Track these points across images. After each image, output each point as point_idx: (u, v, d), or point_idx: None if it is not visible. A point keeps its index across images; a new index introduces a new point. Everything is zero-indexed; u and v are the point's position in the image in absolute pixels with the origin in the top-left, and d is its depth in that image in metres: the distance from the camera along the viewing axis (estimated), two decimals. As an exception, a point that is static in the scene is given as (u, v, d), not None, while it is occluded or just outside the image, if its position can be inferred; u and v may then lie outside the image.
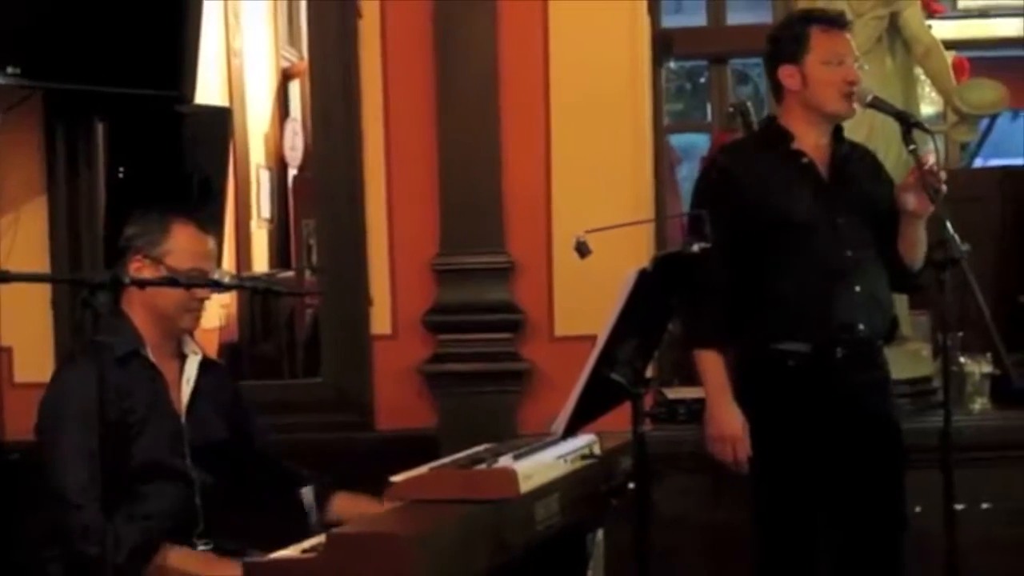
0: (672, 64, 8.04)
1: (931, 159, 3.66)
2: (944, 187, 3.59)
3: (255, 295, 6.82)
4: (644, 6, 5.00)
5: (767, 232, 3.77)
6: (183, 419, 3.52)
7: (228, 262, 6.81)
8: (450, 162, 4.86)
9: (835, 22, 3.84)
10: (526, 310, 4.86)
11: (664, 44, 5.56)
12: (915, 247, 3.81)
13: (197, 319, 3.59)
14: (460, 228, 4.86)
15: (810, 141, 3.85)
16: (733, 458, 3.80)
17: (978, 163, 7.77)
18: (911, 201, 3.69)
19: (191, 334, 3.69)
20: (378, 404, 4.92)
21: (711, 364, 3.82)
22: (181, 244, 3.49)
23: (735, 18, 6.28)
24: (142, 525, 3.34)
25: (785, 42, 3.84)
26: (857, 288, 3.76)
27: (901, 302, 4.68)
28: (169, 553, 3.32)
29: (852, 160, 3.92)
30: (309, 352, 6.40)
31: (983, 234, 5.08)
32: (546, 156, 4.87)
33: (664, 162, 5.66)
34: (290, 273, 7.61)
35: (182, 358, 3.60)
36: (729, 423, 3.79)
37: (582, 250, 3.32)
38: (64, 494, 3.25)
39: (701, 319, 3.77)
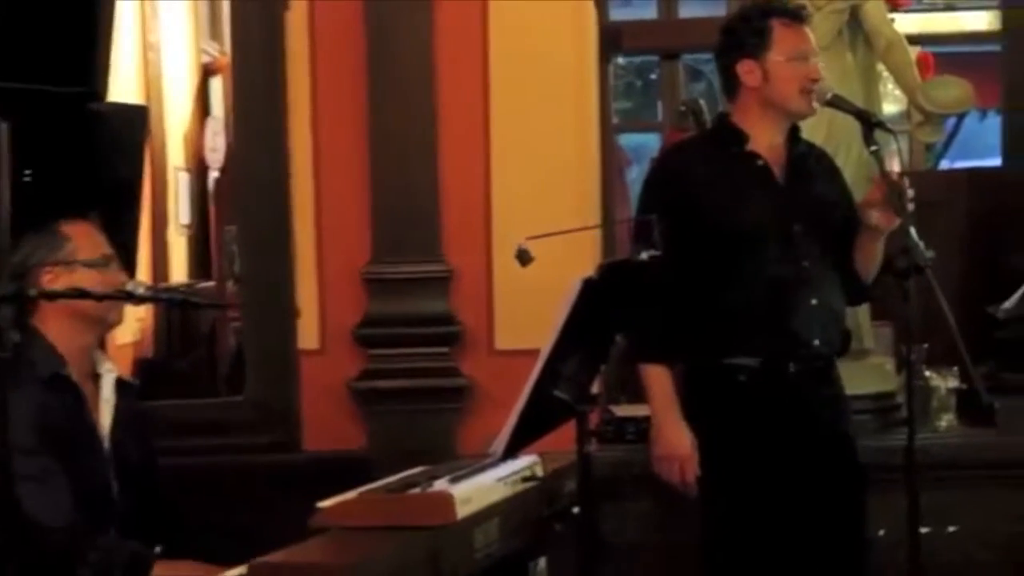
0: (621, 59, 8.10)
1: (895, 164, 3.68)
2: (911, 205, 3.59)
3: (172, 307, 6.79)
4: (591, -2, 5.03)
5: (718, 239, 3.78)
6: (107, 443, 3.53)
7: (144, 272, 6.76)
8: (383, 164, 4.85)
9: (796, 16, 3.85)
10: (464, 322, 4.86)
11: (612, 38, 5.60)
12: (873, 260, 3.83)
13: (122, 310, 3.62)
14: (393, 234, 4.85)
15: (764, 141, 3.87)
16: (681, 479, 3.81)
17: (945, 165, 7.86)
18: (875, 216, 3.70)
19: (103, 346, 3.70)
20: (305, 424, 4.90)
21: (658, 379, 3.83)
22: (81, 238, 3.57)
23: (687, 11, 6.34)
24: (132, 543, 3.39)
25: (744, 35, 3.84)
26: (813, 301, 3.78)
27: (863, 313, 4.73)
28: (156, 566, 3.37)
29: (808, 162, 3.94)
30: (231, 369, 6.38)
31: (949, 240, 5.14)
32: (485, 158, 4.87)
33: (612, 164, 5.69)
34: (211, 283, 7.58)
35: (95, 378, 3.60)
36: (677, 442, 3.80)
37: (524, 258, 3.32)
38: (43, 521, 3.27)
39: (647, 332, 3.77)
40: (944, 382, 4.81)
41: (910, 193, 3.59)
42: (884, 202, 3.64)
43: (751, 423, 3.76)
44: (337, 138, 4.90)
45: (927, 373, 4.79)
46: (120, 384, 3.63)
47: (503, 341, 4.84)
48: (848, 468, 3.86)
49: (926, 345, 4.67)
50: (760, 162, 3.85)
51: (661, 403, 3.83)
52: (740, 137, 3.86)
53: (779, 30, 3.81)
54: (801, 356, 3.78)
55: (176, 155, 7.98)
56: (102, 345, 3.79)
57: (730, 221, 3.79)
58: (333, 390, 4.86)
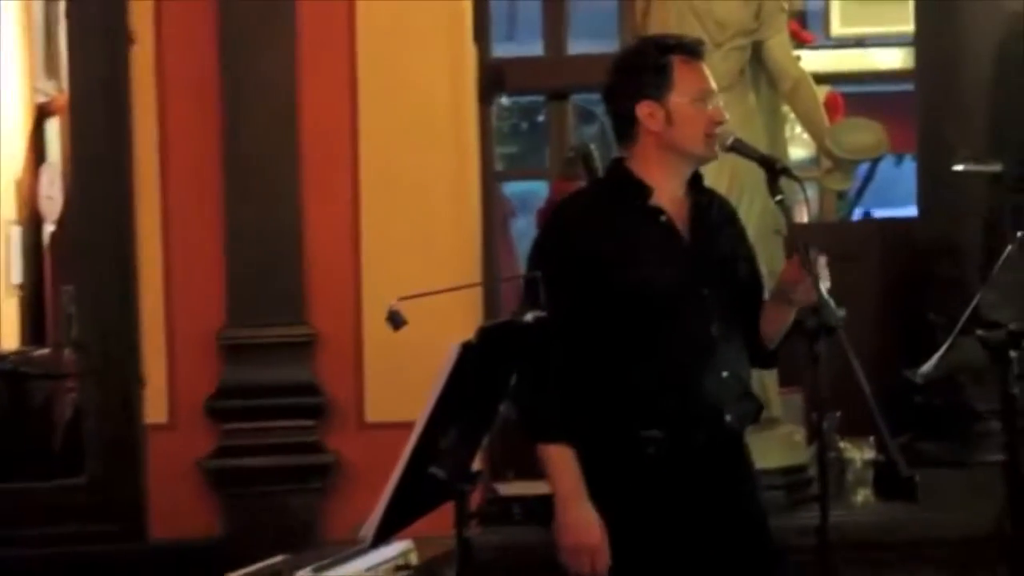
0: (504, 100, 8.12)
1: (803, 216, 3.69)
2: (828, 283, 3.60)
3: (1, 378, 6.68)
4: (469, 33, 5.06)
5: (620, 303, 3.77)
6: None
7: (-31, 338, 6.68)
8: (240, 217, 4.84)
9: (695, 52, 3.86)
10: (331, 392, 4.85)
11: (494, 77, 5.62)
12: (784, 326, 3.85)
13: None
14: (251, 295, 4.83)
15: (667, 193, 3.85)
16: (591, 570, 3.78)
17: (858, 214, 7.99)
18: (800, 291, 3.70)
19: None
20: (152, 508, 4.86)
21: (560, 460, 3.77)
22: None
23: (577, 47, 6.37)
24: None
25: (643, 74, 3.83)
26: (724, 373, 3.77)
27: (770, 379, 4.76)
28: None
29: (711, 214, 3.95)
30: (68, 447, 6.29)
31: (862, 297, 5.20)
32: (354, 209, 4.87)
33: (495, 215, 5.71)
34: (45, 350, 7.49)
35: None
36: (586, 530, 3.76)
37: (396, 320, 3.31)
38: None
39: (543, 407, 3.73)
40: (859, 453, 4.85)
41: (822, 261, 3.60)
42: (803, 278, 3.65)
43: (660, 501, 3.75)
44: (188, 187, 4.87)
45: (841, 444, 4.84)
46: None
47: (374, 413, 4.83)
48: (761, 547, 3.87)
49: (839, 413, 4.71)
50: (663, 218, 3.84)
51: (566, 486, 3.77)
52: (642, 190, 3.85)
53: (680, 68, 3.80)
54: (711, 429, 3.78)
55: (7, 206, 7.88)
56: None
57: (633, 284, 3.76)
58: (183, 470, 4.82)
